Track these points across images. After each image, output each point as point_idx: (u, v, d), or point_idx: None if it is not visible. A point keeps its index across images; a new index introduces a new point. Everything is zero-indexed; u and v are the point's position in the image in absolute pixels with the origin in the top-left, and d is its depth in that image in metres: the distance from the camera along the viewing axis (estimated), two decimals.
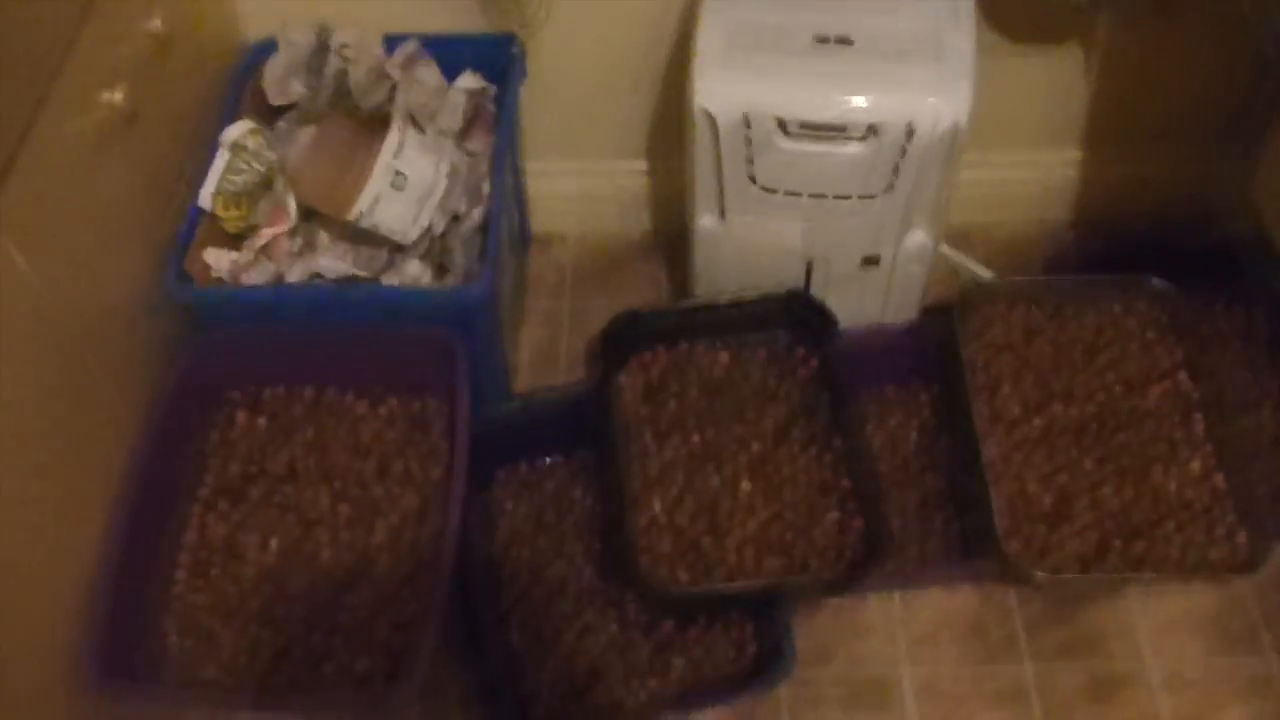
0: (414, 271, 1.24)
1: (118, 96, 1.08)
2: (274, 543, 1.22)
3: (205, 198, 1.22)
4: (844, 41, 1.21)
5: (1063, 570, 1.25)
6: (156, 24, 1.16)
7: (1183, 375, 1.37)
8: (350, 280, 1.21)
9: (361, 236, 1.23)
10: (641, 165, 1.57)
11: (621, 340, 1.38)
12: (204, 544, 1.21)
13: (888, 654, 1.30)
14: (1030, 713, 1.25)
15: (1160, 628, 1.31)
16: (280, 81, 1.30)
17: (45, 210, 1.00)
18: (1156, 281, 1.41)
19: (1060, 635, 1.31)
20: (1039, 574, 1.23)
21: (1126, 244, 1.56)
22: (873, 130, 1.19)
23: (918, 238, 1.32)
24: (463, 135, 1.33)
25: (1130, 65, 1.45)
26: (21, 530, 0.99)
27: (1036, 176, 1.60)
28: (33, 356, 1.00)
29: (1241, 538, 1.25)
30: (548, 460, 1.39)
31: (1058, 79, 1.47)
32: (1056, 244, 1.63)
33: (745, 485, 1.30)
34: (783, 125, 1.20)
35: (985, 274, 1.52)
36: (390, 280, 1.24)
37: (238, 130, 1.23)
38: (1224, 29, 1.40)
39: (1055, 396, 1.36)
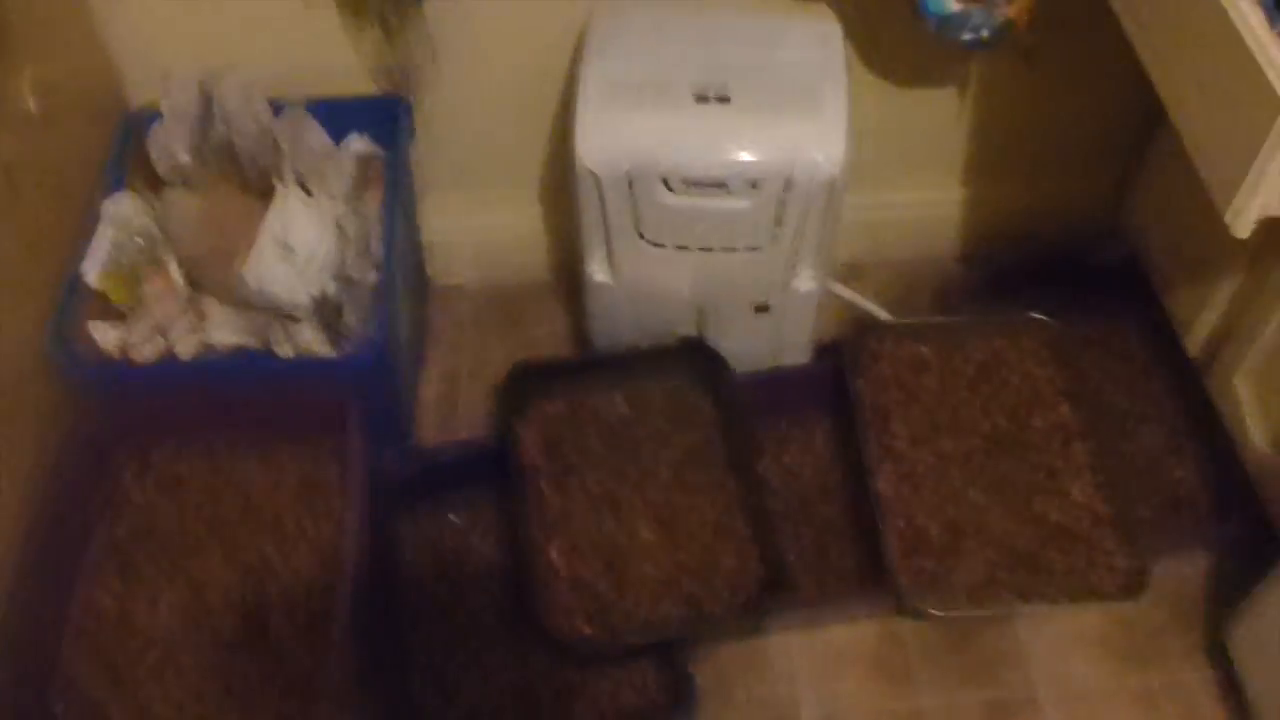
0: (306, 337, 1.24)
1: None
2: (164, 608, 1.21)
3: (90, 272, 1.21)
4: (722, 98, 1.23)
5: (954, 600, 1.28)
6: (26, 91, 1.14)
7: (1064, 405, 1.42)
8: (242, 350, 1.21)
9: (251, 305, 1.23)
10: (537, 212, 1.59)
11: (520, 390, 1.40)
12: (94, 614, 1.20)
13: (789, 690, 1.33)
14: None
15: (1052, 651, 1.36)
16: (165, 150, 1.29)
17: None
18: (1037, 315, 1.46)
19: (956, 663, 1.35)
20: (929, 610, 1.26)
21: (1012, 274, 1.61)
22: (753, 185, 1.22)
23: (805, 283, 1.35)
24: (354, 196, 1.34)
25: (1002, 104, 1.50)
26: None
27: (923, 213, 1.64)
28: None
29: (1122, 562, 1.30)
30: (450, 513, 1.40)
31: (936, 117, 1.52)
32: (946, 276, 1.67)
33: (643, 531, 1.32)
34: (666, 182, 1.22)
35: (879, 312, 1.56)
36: (283, 346, 1.24)
37: (119, 202, 1.23)
38: (1087, 73, 1.46)
39: (942, 429, 1.40)
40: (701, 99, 1.23)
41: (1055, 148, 1.58)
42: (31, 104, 1.16)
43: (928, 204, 1.64)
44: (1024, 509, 1.35)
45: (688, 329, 1.40)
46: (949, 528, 1.33)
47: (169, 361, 1.21)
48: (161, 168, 1.30)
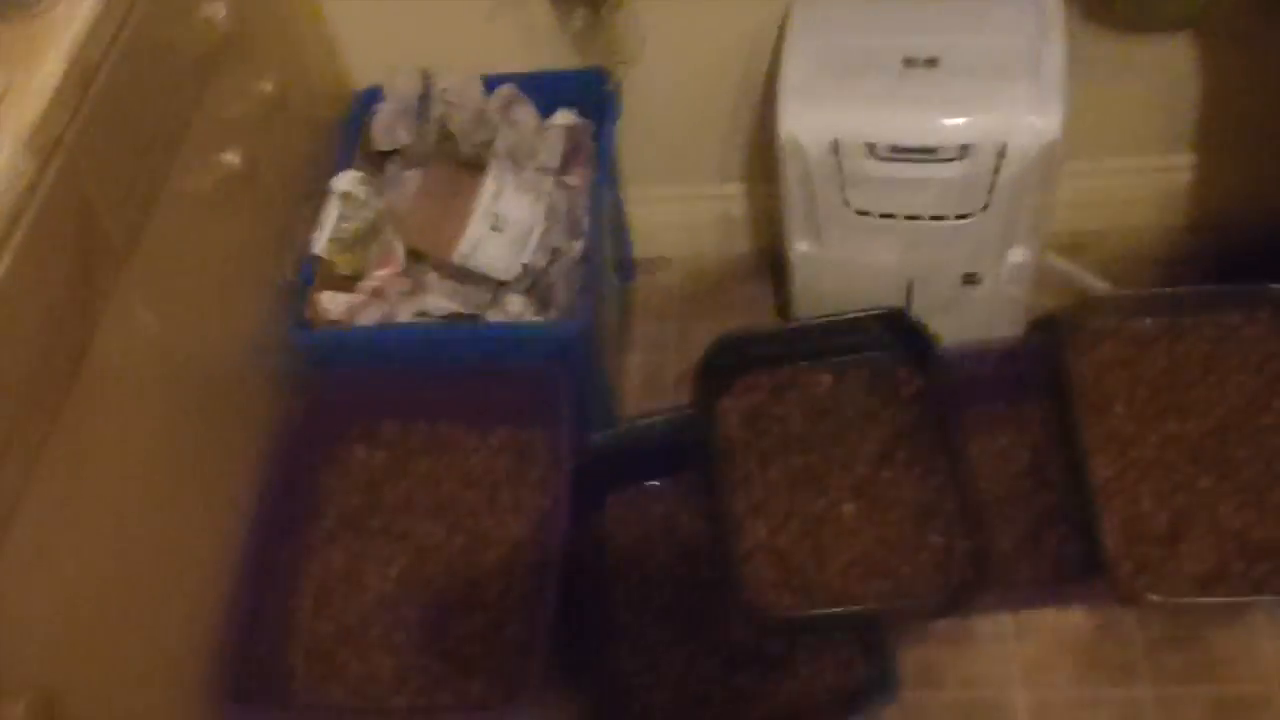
0: (517, 307, 1.29)
1: (235, 157, 1.15)
2: (392, 571, 1.27)
3: (319, 244, 1.29)
4: (931, 63, 1.20)
5: (1180, 592, 1.21)
6: (269, 85, 1.23)
7: None
8: (456, 317, 1.26)
9: (466, 276, 1.28)
10: (741, 188, 1.59)
11: (722, 365, 1.39)
12: (327, 573, 1.28)
13: (1000, 676, 1.28)
14: None
15: None
16: (387, 129, 1.36)
17: (171, 268, 1.08)
18: (1277, 288, 1.35)
19: (1182, 658, 1.27)
20: (1152, 596, 1.19)
21: (1248, 248, 1.50)
22: (964, 151, 1.18)
23: (1018, 254, 1.30)
24: (562, 170, 1.37)
25: (1238, 66, 1.40)
26: (159, 565, 1.06)
27: (1150, 181, 1.55)
28: (164, 404, 1.08)
29: None
30: (656, 484, 1.42)
31: (1165, 81, 1.43)
32: (1174, 250, 1.57)
33: (849, 508, 1.30)
34: (873, 149, 1.20)
35: (1099, 285, 1.49)
36: (494, 315, 1.29)
37: (347, 179, 1.30)
38: None
39: (1171, 412, 1.31)
40: (909, 63, 1.20)
41: None
42: (270, 97, 1.24)
43: (1156, 171, 1.54)
44: (1262, 497, 1.25)
45: (894, 302, 1.37)
46: (1176, 515, 1.25)
47: (387, 326, 1.27)
48: (383, 146, 1.37)
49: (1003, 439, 1.40)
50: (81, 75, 0.92)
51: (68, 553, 0.92)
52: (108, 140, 0.96)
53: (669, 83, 1.44)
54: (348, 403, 1.34)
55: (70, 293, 0.92)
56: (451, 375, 1.33)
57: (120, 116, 0.98)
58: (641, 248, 1.66)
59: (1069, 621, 1.32)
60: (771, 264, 1.63)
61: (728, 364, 1.39)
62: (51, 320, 0.90)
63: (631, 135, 1.49)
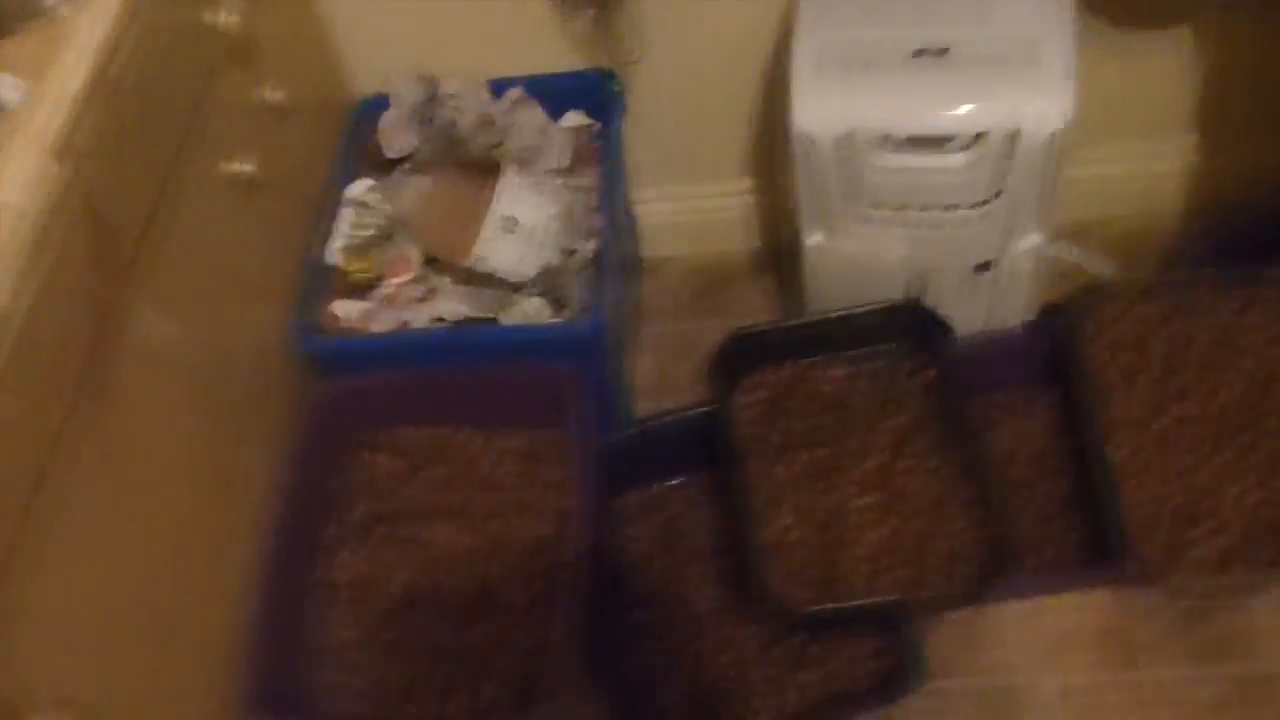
0: (532, 308, 1.28)
1: (240, 166, 1.14)
2: (401, 578, 1.26)
3: (333, 253, 1.28)
4: (942, 52, 1.20)
5: (1200, 572, 1.22)
6: (272, 93, 1.22)
7: None
8: (470, 321, 1.26)
9: (480, 279, 1.27)
10: (747, 184, 1.59)
11: (735, 360, 1.39)
12: (336, 582, 1.26)
13: (1020, 663, 1.28)
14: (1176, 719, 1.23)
15: None
16: (394, 135, 1.36)
17: (185, 277, 1.07)
18: None
19: (1202, 638, 1.28)
20: (1174, 577, 1.20)
21: (1255, 230, 1.51)
22: (977, 138, 1.18)
23: (1030, 240, 1.31)
24: (570, 171, 1.37)
25: (1242, 49, 1.41)
26: (186, 573, 1.05)
27: (1157, 165, 1.56)
28: (184, 411, 1.07)
29: None
30: (669, 483, 1.41)
31: (1169, 66, 1.44)
32: (1177, 235, 1.58)
33: (864, 500, 1.30)
34: (886, 140, 1.20)
35: (1106, 270, 1.49)
36: (510, 317, 1.28)
37: (359, 187, 1.30)
38: None
39: (1178, 396, 1.32)
40: (920, 53, 1.21)
41: None
42: (273, 106, 1.23)
43: (1159, 158, 1.55)
44: (1273, 479, 1.26)
45: (904, 291, 1.37)
46: (1191, 496, 1.26)
47: (400, 332, 1.27)
48: (392, 152, 1.36)
49: (1016, 424, 1.41)
50: (103, 84, 0.92)
51: (102, 565, 0.91)
52: (124, 148, 0.95)
53: (674, 81, 1.44)
54: (355, 409, 1.33)
55: (92, 300, 0.92)
56: (463, 378, 1.32)
57: (136, 124, 0.97)
58: (648, 246, 1.66)
59: (1086, 605, 1.32)
60: (777, 259, 1.63)
61: (741, 360, 1.40)
62: (77, 328, 0.89)
63: (638, 134, 1.48)
